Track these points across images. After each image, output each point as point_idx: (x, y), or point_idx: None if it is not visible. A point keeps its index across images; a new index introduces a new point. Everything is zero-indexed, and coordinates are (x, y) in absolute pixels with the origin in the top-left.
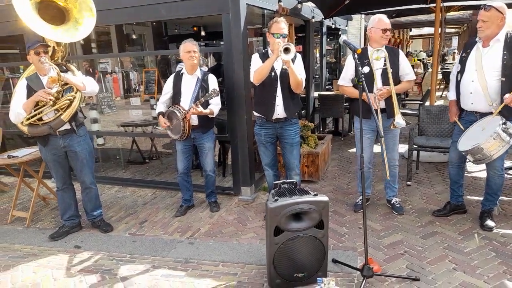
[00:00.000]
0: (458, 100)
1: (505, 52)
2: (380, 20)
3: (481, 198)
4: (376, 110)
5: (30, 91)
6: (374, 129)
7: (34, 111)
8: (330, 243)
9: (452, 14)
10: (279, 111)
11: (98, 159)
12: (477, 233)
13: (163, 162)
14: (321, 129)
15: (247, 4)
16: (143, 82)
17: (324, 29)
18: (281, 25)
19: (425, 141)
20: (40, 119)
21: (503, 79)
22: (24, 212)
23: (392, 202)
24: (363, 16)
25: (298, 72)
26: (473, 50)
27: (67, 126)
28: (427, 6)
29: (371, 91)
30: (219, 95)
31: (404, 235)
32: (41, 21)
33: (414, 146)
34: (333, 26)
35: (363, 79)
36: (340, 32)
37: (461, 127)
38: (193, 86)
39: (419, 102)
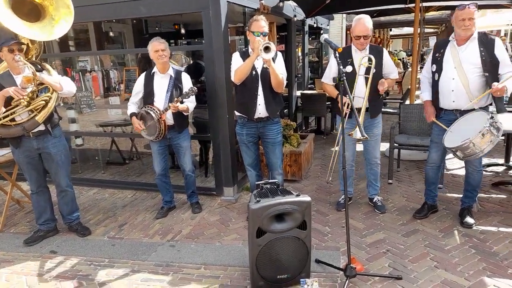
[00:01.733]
0: (433, 100)
1: (481, 48)
2: (356, 25)
3: (461, 196)
4: (359, 109)
5: (2, 90)
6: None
7: (7, 111)
8: (313, 242)
9: (431, 14)
10: (261, 110)
11: (76, 160)
12: (457, 230)
13: (144, 163)
14: (304, 128)
15: (227, 1)
16: (124, 81)
17: (306, 28)
18: (261, 23)
19: (406, 139)
20: (13, 119)
21: (487, 74)
22: None
23: (374, 201)
24: (344, 15)
25: (279, 71)
26: (447, 49)
27: (41, 127)
28: (406, 6)
29: (351, 91)
30: (196, 93)
31: (386, 233)
32: (15, 18)
33: (395, 144)
34: (315, 25)
35: (344, 78)
36: (322, 31)
37: (443, 126)
38: (166, 85)
39: (399, 100)
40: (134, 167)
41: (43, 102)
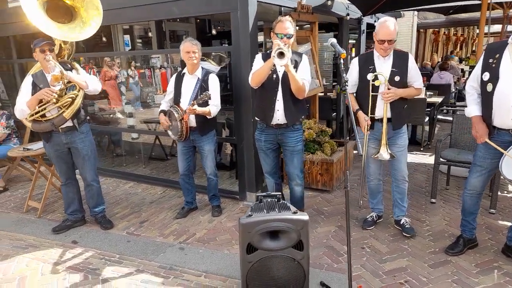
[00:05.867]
0: (483, 116)
1: None
2: (380, 28)
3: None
4: (381, 119)
5: (35, 88)
6: (379, 137)
7: (38, 107)
8: (325, 262)
9: None
10: (279, 117)
11: (122, 154)
12: (498, 268)
13: None
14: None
15: (258, 1)
16: None
17: (363, 27)
18: (286, 25)
19: (456, 154)
20: (44, 115)
21: None
22: (39, 202)
23: (401, 223)
24: (415, 12)
25: (299, 76)
26: (505, 54)
27: (69, 123)
28: (478, 2)
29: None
30: (210, 98)
31: (411, 261)
32: (48, 20)
33: (441, 159)
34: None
35: (346, 88)
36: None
37: (499, 149)
38: (192, 86)
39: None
40: (173, 163)
41: (70, 99)
